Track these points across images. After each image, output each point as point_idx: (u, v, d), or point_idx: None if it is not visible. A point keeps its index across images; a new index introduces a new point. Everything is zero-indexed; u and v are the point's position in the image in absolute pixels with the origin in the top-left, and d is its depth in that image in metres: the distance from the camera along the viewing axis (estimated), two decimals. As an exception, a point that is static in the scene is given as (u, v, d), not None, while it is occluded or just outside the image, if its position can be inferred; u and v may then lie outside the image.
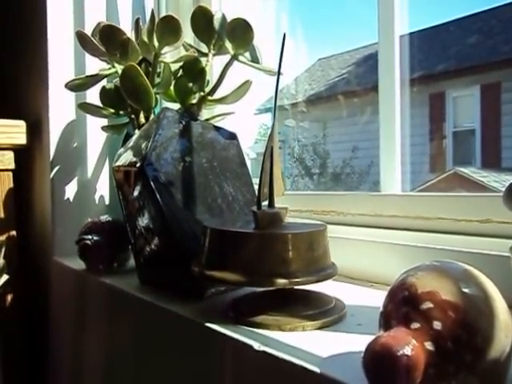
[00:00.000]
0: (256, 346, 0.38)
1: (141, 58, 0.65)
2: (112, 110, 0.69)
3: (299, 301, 0.45)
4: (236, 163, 0.64)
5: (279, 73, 0.49)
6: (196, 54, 0.65)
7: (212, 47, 0.68)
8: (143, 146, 0.58)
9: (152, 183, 0.54)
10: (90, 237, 0.65)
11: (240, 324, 0.42)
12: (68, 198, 0.78)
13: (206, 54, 0.68)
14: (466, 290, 0.29)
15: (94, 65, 0.76)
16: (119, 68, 0.69)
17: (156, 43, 0.65)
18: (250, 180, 0.65)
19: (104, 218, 0.69)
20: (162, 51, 0.66)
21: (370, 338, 0.38)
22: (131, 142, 0.62)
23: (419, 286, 0.30)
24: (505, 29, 3.46)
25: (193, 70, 0.68)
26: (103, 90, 0.70)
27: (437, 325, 0.28)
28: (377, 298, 0.51)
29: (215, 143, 0.63)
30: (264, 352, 0.37)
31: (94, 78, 0.69)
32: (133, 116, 0.70)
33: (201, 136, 0.62)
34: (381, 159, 0.65)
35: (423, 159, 3.07)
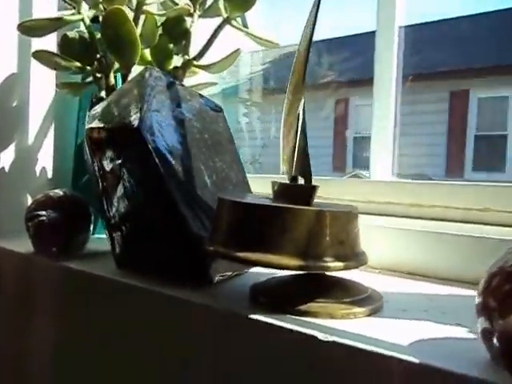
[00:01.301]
0: (321, 336, 0.33)
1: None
2: (78, 64, 0.58)
3: (335, 287, 0.41)
4: (225, 138, 0.58)
5: (311, 41, 0.44)
6: (191, 9, 0.57)
7: (198, 7, 0.60)
8: (129, 107, 0.49)
9: (151, 148, 0.45)
10: (45, 213, 0.54)
11: (279, 313, 0.37)
12: (3, 168, 0.64)
13: (190, 14, 0.61)
14: None
15: (42, 10, 0.64)
16: (86, 15, 0.58)
17: (142, -11, 0.56)
18: (239, 158, 0.59)
19: (60, 191, 0.57)
20: (147, 0, 0.57)
21: (426, 324, 0.35)
22: (106, 104, 0.52)
23: (543, 264, 0.27)
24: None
25: (175, 30, 0.60)
26: (65, 39, 0.58)
27: None
28: (395, 285, 0.49)
29: (203, 113, 0.56)
30: (334, 342, 0.32)
31: (55, 23, 0.58)
32: (99, 75, 0.60)
33: (189, 103, 0.54)
34: (371, 147, 0.64)
35: (327, 159, 3.22)
